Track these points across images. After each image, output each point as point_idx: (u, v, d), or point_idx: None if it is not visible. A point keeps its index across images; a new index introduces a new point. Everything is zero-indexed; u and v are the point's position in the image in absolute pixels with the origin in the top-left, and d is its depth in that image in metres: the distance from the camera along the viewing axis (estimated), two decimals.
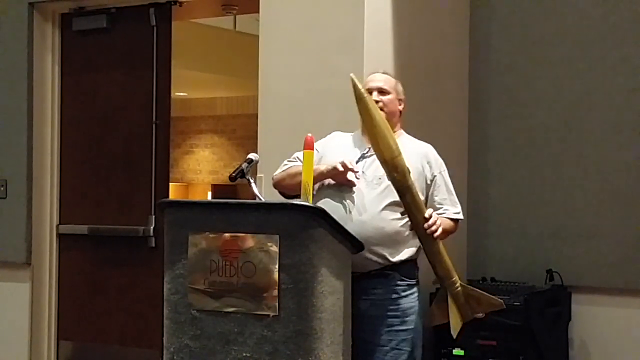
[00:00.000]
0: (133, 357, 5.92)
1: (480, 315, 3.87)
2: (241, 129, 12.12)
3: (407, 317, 3.76)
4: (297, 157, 3.87)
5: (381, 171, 3.68)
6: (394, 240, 3.71)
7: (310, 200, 3.56)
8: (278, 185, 3.92)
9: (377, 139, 3.58)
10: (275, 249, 3.35)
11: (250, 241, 3.40)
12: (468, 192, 5.26)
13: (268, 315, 3.35)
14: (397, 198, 3.66)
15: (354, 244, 3.56)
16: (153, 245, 5.78)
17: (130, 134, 5.98)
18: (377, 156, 3.62)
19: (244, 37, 7.93)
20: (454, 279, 3.79)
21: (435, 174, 3.83)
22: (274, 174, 3.94)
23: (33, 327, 6.12)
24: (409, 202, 3.62)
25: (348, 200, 3.68)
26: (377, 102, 3.77)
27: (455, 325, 3.82)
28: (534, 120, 5.13)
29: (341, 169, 3.64)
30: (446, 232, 3.74)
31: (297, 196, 3.64)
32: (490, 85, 5.24)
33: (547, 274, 4.91)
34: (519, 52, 5.19)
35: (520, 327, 4.47)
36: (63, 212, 6.22)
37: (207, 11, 6.72)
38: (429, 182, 3.81)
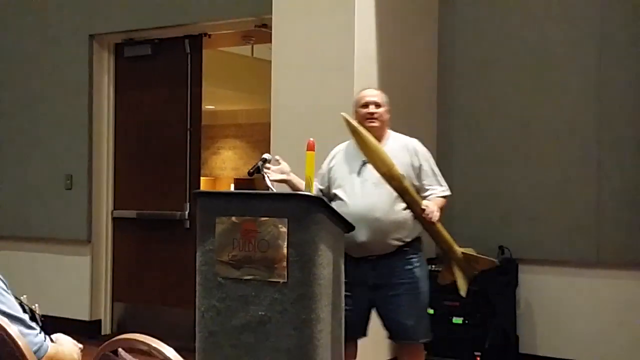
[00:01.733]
0: (172, 315, 5.93)
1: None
2: (257, 135, 12.07)
3: (420, 282, 3.74)
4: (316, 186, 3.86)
5: None
6: (406, 226, 3.68)
7: (312, 191, 3.56)
8: None
9: (374, 158, 3.58)
10: (284, 229, 3.34)
11: (264, 223, 3.40)
12: None
13: (279, 281, 3.34)
14: None
15: (346, 225, 3.56)
16: (187, 227, 5.80)
17: (170, 139, 5.99)
18: (376, 171, 3.60)
19: (260, 62, 7.90)
20: (454, 248, 3.77)
21: (422, 162, 3.77)
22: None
23: (93, 291, 6.14)
24: (408, 200, 3.62)
25: (361, 201, 3.64)
26: (373, 113, 3.75)
27: (462, 285, 3.82)
28: (491, 130, 5.12)
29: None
30: (441, 210, 3.69)
31: None
32: (455, 97, 5.23)
33: (499, 249, 4.90)
34: (480, 69, 5.15)
35: (478, 291, 4.46)
36: (117, 200, 6.24)
37: (230, 41, 6.72)
38: (417, 171, 3.76)
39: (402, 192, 3.60)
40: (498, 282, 4.72)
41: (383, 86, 4.63)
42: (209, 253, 3.52)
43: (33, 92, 6.35)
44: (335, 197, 3.75)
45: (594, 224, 4.76)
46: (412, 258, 3.73)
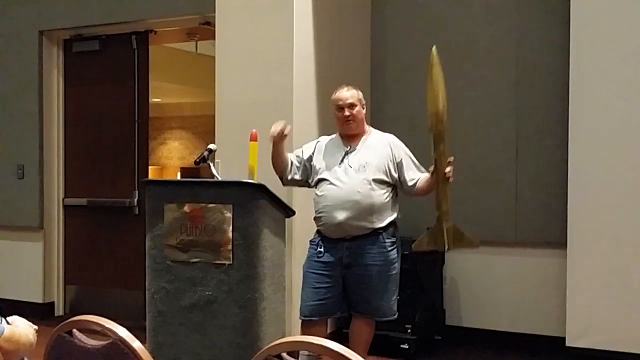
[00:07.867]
0: (122, 297, 5.85)
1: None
2: (202, 126, 11.95)
3: (392, 265, 3.71)
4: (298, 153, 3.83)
5: (364, 159, 3.66)
6: (382, 210, 3.65)
7: (255, 179, 3.55)
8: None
9: (432, 94, 3.52)
10: (229, 214, 3.34)
11: (210, 209, 3.38)
12: None
13: (225, 263, 3.35)
14: (380, 177, 3.64)
15: (287, 210, 3.57)
16: (136, 213, 5.72)
17: (119, 130, 5.89)
18: (430, 108, 3.51)
19: (204, 58, 7.81)
20: (449, 216, 3.67)
21: (402, 156, 3.73)
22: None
23: (45, 275, 6.03)
24: (442, 149, 3.51)
25: (342, 185, 3.63)
26: (348, 116, 3.70)
27: (448, 241, 3.66)
28: (419, 122, 5.09)
29: (274, 134, 3.63)
30: (431, 187, 3.63)
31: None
32: (386, 92, 5.26)
33: (427, 230, 4.95)
34: (408, 67, 5.15)
35: (408, 269, 4.50)
36: (67, 188, 6.13)
37: (175, 38, 6.64)
38: (397, 164, 3.72)
39: (440, 139, 3.48)
40: (426, 261, 4.80)
41: (320, 82, 4.66)
42: (157, 238, 3.50)
43: None
44: (319, 182, 3.72)
45: (513, 207, 4.88)
46: (385, 242, 3.69)
